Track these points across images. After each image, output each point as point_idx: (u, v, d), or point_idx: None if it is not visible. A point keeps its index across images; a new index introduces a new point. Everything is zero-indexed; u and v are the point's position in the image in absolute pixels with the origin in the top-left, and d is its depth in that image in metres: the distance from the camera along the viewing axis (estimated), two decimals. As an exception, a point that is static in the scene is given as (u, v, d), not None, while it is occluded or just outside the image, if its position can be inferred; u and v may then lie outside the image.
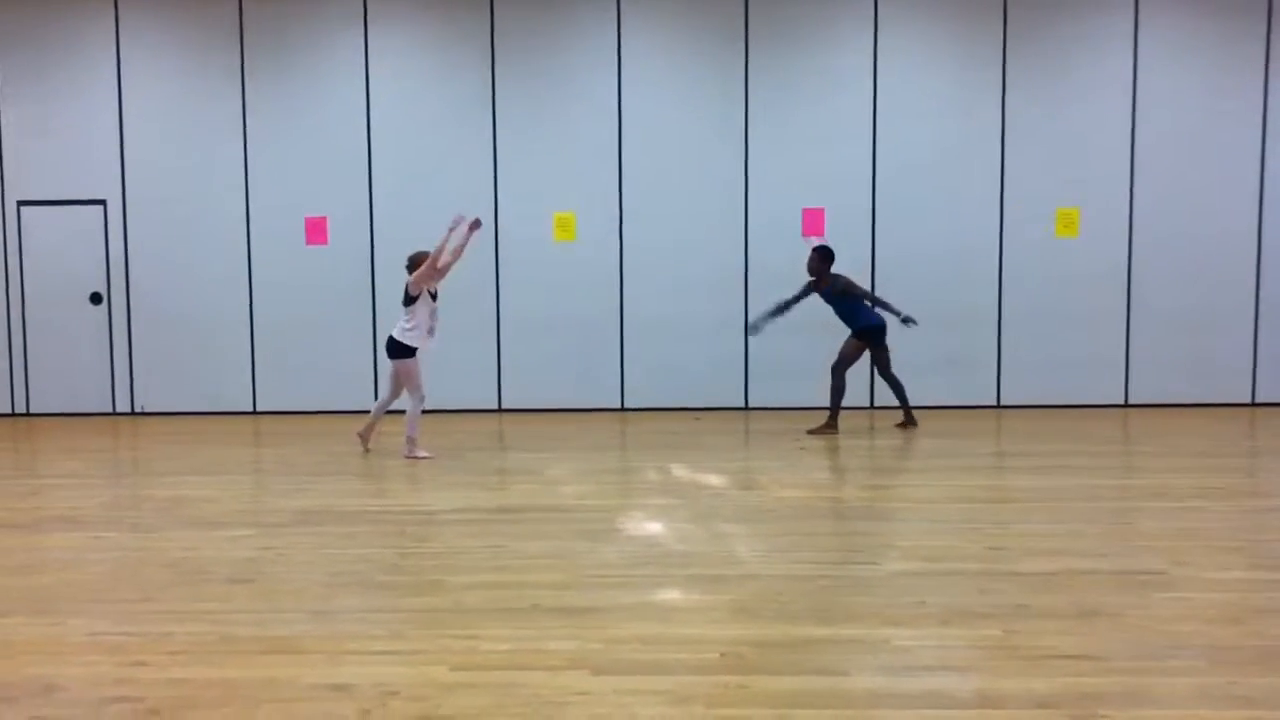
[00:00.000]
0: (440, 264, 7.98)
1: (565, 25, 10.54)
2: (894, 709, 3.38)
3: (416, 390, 8.11)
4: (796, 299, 9.18)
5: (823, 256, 9.12)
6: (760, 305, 10.39)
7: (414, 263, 8.01)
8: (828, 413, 9.16)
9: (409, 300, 7.98)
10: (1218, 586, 4.62)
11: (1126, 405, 10.60)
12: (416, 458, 8.03)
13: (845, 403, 9.24)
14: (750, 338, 9.24)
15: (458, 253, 8.10)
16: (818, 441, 8.76)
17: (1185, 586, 4.61)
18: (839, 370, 9.13)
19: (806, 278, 9.18)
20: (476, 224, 8.15)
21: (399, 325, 8.08)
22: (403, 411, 8.20)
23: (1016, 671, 3.65)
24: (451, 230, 7.98)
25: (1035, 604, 4.37)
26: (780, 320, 9.23)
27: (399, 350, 8.06)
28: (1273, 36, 10.31)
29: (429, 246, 7.98)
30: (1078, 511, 6.08)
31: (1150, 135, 10.44)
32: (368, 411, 8.61)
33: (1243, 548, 5.34)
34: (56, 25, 10.67)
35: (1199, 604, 4.36)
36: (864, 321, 9.08)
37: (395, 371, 8.16)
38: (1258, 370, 10.58)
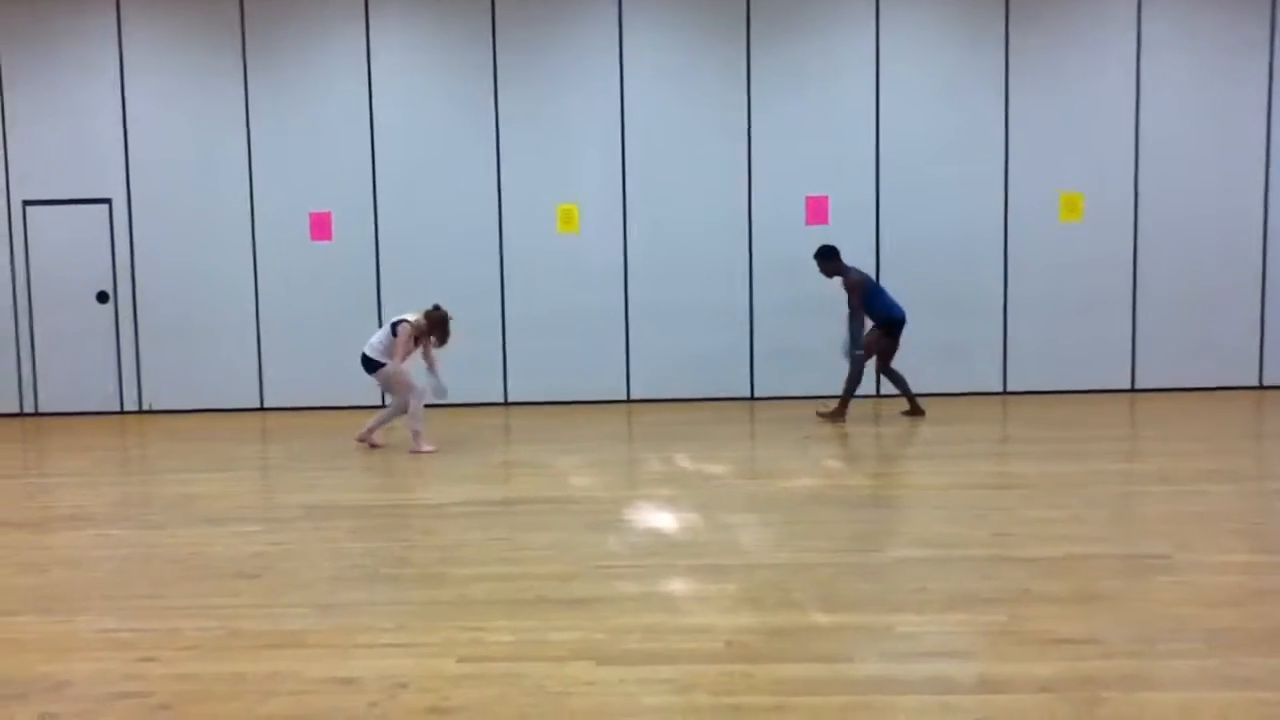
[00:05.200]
0: (398, 357, 8.07)
1: (566, 16, 10.53)
2: (897, 694, 3.40)
3: (411, 389, 8.15)
4: (857, 314, 8.90)
5: (827, 256, 9.07)
6: (765, 294, 10.45)
7: (430, 321, 8.07)
8: (839, 399, 9.14)
9: (395, 333, 8.07)
10: (1220, 570, 4.63)
11: (1133, 390, 10.59)
12: (422, 451, 8.08)
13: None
14: (858, 361, 9.01)
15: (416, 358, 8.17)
16: (822, 430, 8.76)
17: (1188, 570, 4.62)
18: (859, 360, 9.09)
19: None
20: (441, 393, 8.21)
21: (374, 344, 8.17)
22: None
23: (1019, 656, 3.67)
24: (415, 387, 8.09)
25: (1038, 589, 4.38)
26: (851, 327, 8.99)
27: (372, 365, 8.15)
28: (1277, 19, 10.27)
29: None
30: (1082, 497, 6.09)
31: (1154, 119, 10.42)
32: (374, 407, 8.61)
33: (1246, 531, 5.34)
34: (59, 24, 10.70)
35: (1201, 588, 4.38)
36: (882, 313, 9.02)
37: (381, 383, 8.22)
38: (1264, 353, 10.56)
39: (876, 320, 9.04)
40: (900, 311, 9.05)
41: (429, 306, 8.18)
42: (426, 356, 8.22)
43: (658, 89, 10.57)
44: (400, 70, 10.66)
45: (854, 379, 9.04)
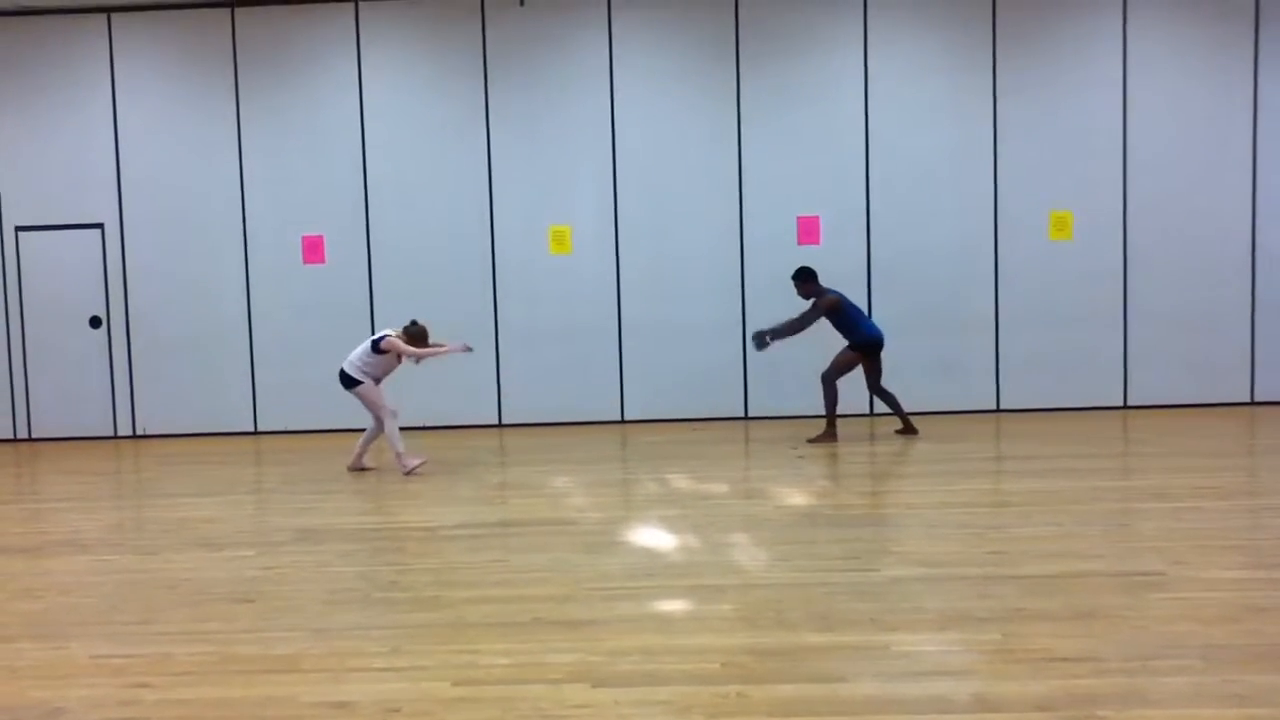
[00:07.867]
0: (414, 358, 8.14)
1: (557, 39, 10.59)
2: (893, 714, 3.40)
3: (384, 409, 8.14)
4: (805, 323, 8.97)
5: (805, 278, 9.12)
6: (757, 314, 10.46)
7: (410, 336, 8.10)
8: (825, 421, 9.17)
9: (377, 350, 8.07)
10: (1215, 586, 4.64)
11: (1125, 407, 10.61)
12: (412, 469, 8.06)
13: (844, 410, 9.24)
14: (757, 351, 9.09)
15: (424, 359, 8.25)
16: (816, 449, 8.77)
17: (1183, 587, 4.63)
18: (829, 378, 9.10)
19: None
20: (467, 348, 8.46)
21: (353, 361, 8.15)
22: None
23: (1014, 675, 3.67)
24: (446, 350, 8.23)
25: (1033, 607, 4.39)
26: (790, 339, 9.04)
27: (350, 381, 8.13)
28: (1261, 36, 10.35)
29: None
30: (1077, 514, 6.09)
31: (1142, 137, 10.47)
32: (365, 430, 8.57)
33: (1241, 547, 5.36)
34: (50, 48, 10.73)
35: (1196, 604, 4.38)
36: (862, 334, 9.07)
37: (360, 399, 8.22)
38: (1255, 369, 10.58)
39: (855, 341, 9.07)
40: (879, 333, 9.10)
41: (406, 323, 8.20)
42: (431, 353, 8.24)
43: (649, 109, 10.61)
44: (392, 93, 10.70)
45: (830, 398, 9.08)
